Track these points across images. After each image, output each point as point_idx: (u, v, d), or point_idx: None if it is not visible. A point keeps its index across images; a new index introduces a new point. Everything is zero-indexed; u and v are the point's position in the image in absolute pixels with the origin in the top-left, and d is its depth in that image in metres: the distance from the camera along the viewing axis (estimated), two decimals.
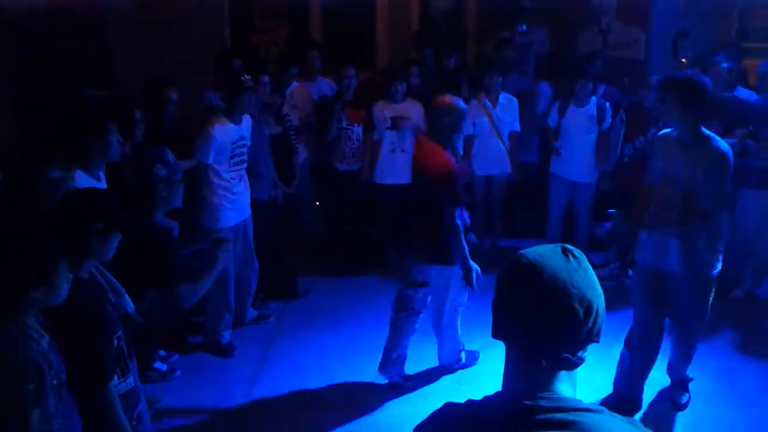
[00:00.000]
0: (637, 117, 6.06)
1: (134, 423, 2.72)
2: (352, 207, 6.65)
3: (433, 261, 4.62)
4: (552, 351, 1.48)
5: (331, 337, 5.44)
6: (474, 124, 6.56)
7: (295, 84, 6.29)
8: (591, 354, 1.54)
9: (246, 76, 5.00)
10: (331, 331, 5.53)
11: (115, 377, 2.60)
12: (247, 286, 5.46)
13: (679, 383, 4.59)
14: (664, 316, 4.37)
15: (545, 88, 7.08)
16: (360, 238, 6.82)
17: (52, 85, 5.21)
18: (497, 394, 1.54)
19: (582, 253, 1.54)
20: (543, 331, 1.47)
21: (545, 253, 1.52)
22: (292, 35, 8.01)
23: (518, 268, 1.51)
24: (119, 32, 6.44)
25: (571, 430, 1.41)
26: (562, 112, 6.41)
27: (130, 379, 2.73)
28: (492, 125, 6.57)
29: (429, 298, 4.74)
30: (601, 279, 1.54)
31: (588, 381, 4.53)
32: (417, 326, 4.79)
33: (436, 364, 5.01)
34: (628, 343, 4.43)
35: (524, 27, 7.70)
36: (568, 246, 1.54)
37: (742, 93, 6.04)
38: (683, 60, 6.82)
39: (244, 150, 5.12)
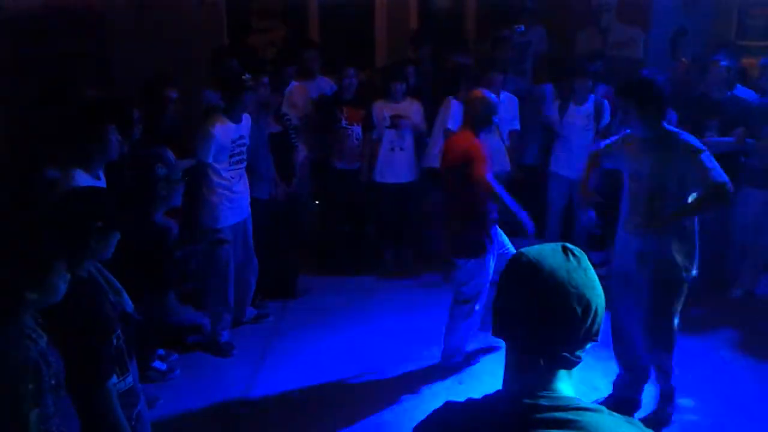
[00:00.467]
0: None
1: (133, 422, 2.72)
2: (351, 206, 6.65)
3: (456, 254, 4.79)
4: (550, 350, 1.48)
5: (330, 336, 5.44)
6: None
7: (294, 83, 6.29)
8: (590, 353, 1.54)
9: (246, 76, 5.00)
10: (330, 330, 5.53)
11: (114, 376, 2.59)
12: (246, 285, 5.46)
13: (664, 395, 4.39)
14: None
15: (549, 90, 7.06)
16: (358, 238, 6.82)
17: (52, 85, 5.20)
18: (497, 392, 1.54)
19: (582, 252, 1.54)
20: (541, 329, 1.47)
21: (545, 251, 1.52)
22: (290, 35, 8.00)
23: (518, 267, 1.52)
24: (119, 32, 6.45)
25: (571, 429, 1.41)
26: (562, 111, 6.42)
27: (129, 379, 2.73)
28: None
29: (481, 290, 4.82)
30: (601, 278, 1.54)
31: (587, 380, 4.55)
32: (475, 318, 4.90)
33: (437, 361, 5.01)
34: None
35: (522, 28, 7.70)
36: (569, 245, 1.54)
37: (741, 92, 6.04)
38: (683, 59, 6.82)
39: (244, 149, 5.12)
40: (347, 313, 5.80)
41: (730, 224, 6.06)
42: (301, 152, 6.15)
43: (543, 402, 1.45)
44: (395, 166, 6.45)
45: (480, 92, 4.73)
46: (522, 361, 1.52)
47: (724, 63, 5.92)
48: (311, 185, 6.67)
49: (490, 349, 5.05)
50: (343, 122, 6.40)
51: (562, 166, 6.49)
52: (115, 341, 2.58)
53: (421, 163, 6.62)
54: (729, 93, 5.96)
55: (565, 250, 1.52)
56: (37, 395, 2.09)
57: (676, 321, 4.15)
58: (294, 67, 6.38)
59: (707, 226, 6.09)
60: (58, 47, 5.58)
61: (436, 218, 6.74)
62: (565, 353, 1.48)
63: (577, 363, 1.51)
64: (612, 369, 4.54)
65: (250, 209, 5.29)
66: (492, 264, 4.76)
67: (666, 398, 4.38)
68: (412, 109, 6.41)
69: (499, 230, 4.92)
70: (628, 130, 4.20)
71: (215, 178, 4.99)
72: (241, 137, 5.08)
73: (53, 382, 2.17)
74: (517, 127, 6.68)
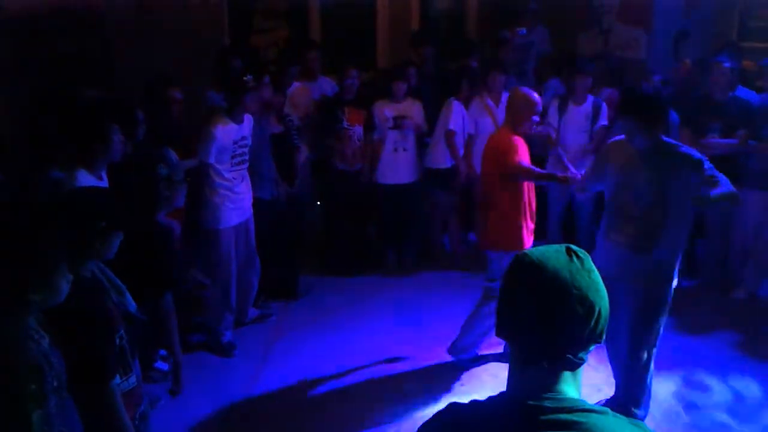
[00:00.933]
0: None
1: (136, 422, 2.71)
2: (353, 207, 6.66)
3: (485, 246, 4.88)
4: (553, 351, 1.48)
5: (332, 336, 5.44)
6: (476, 124, 6.56)
7: (295, 84, 6.29)
8: (594, 354, 1.53)
9: (248, 76, 5.01)
10: (331, 330, 5.53)
11: (117, 376, 2.59)
12: (248, 285, 5.46)
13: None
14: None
15: (553, 84, 7.06)
16: (360, 238, 6.82)
17: (53, 85, 5.20)
18: (501, 394, 1.55)
19: (586, 254, 1.54)
20: (544, 331, 1.47)
21: (548, 253, 1.51)
22: (292, 35, 8.00)
23: (521, 268, 1.51)
24: (119, 32, 6.44)
25: (576, 431, 1.41)
26: (561, 110, 6.41)
27: (132, 379, 2.73)
28: (495, 125, 6.56)
29: None
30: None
31: (591, 381, 4.54)
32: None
33: (439, 362, 5.00)
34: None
35: (524, 31, 7.69)
36: (573, 246, 1.54)
37: (743, 93, 6.03)
38: (686, 60, 6.82)
39: (246, 149, 5.12)
40: (349, 314, 5.80)
41: (732, 226, 6.06)
42: (303, 153, 6.15)
43: (547, 404, 1.45)
44: (399, 166, 6.47)
45: (522, 90, 4.80)
46: (525, 363, 1.51)
47: (727, 64, 5.92)
48: (313, 186, 6.68)
49: (492, 350, 5.05)
50: (345, 123, 6.40)
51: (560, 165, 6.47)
52: (118, 341, 2.58)
53: (422, 164, 6.63)
54: (731, 94, 5.95)
55: (568, 251, 1.52)
56: (39, 396, 2.09)
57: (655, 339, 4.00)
58: (296, 68, 6.39)
59: (709, 229, 6.15)
60: (58, 47, 5.57)
61: (439, 219, 6.78)
62: (568, 355, 1.48)
63: (580, 365, 1.50)
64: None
65: (252, 210, 5.29)
66: None
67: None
68: (413, 110, 6.42)
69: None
70: (616, 138, 4.15)
71: (217, 179, 4.99)
72: (243, 138, 5.09)
73: (55, 383, 2.17)
74: None
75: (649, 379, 4.13)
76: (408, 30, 7.75)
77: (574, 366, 1.50)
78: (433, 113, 6.53)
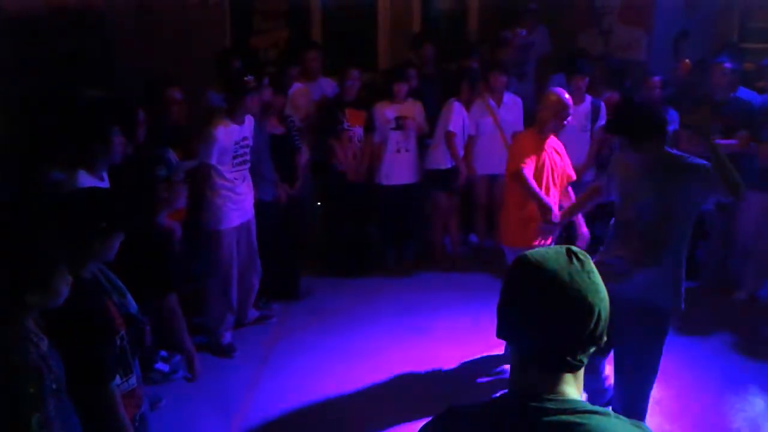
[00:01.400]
0: None
1: (136, 424, 2.71)
2: (354, 208, 6.65)
3: (501, 241, 4.95)
4: (553, 353, 1.47)
5: (333, 337, 5.44)
6: (477, 124, 6.56)
7: (296, 85, 6.29)
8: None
9: (249, 77, 5.00)
10: (332, 331, 5.52)
11: (117, 377, 2.59)
12: (249, 286, 5.46)
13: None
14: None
15: (557, 80, 7.04)
16: (361, 239, 6.82)
17: (53, 85, 5.20)
18: (503, 395, 1.54)
19: (587, 256, 1.53)
20: (543, 333, 1.46)
21: (548, 254, 1.51)
22: (293, 36, 7.99)
23: (520, 268, 1.51)
24: (119, 32, 6.44)
25: None
26: None
27: (133, 380, 2.73)
28: (496, 125, 6.56)
29: None
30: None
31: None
32: None
33: (440, 363, 4.99)
34: None
35: (524, 32, 7.68)
36: (574, 248, 1.53)
37: (744, 94, 6.03)
38: (687, 60, 6.81)
39: (247, 150, 5.12)
40: (350, 315, 5.80)
41: (733, 227, 6.06)
42: (305, 154, 6.15)
43: (550, 405, 1.44)
44: (401, 167, 6.48)
45: (554, 91, 4.79)
46: (526, 364, 1.51)
47: (727, 65, 5.91)
48: (313, 187, 6.67)
49: (492, 351, 5.05)
50: (345, 124, 6.40)
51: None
52: (118, 342, 2.58)
53: (423, 165, 6.63)
54: (732, 95, 5.95)
55: (569, 253, 1.51)
56: (38, 399, 2.09)
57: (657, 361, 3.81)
58: (296, 69, 6.38)
59: (709, 230, 6.14)
60: (58, 47, 5.56)
61: (440, 220, 6.77)
62: (568, 357, 1.47)
63: (580, 367, 1.50)
64: None
65: (253, 211, 5.28)
66: None
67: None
68: (414, 111, 6.43)
69: None
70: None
71: (218, 180, 4.98)
72: (244, 139, 5.08)
73: (54, 386, 2.16)
74: (521, 128, 6.67)
75: (649, 396, 3.91)
76: (409, 31, 7.74)
77: (574, 368, 1.49)
78: (433, 114, 6.53)
